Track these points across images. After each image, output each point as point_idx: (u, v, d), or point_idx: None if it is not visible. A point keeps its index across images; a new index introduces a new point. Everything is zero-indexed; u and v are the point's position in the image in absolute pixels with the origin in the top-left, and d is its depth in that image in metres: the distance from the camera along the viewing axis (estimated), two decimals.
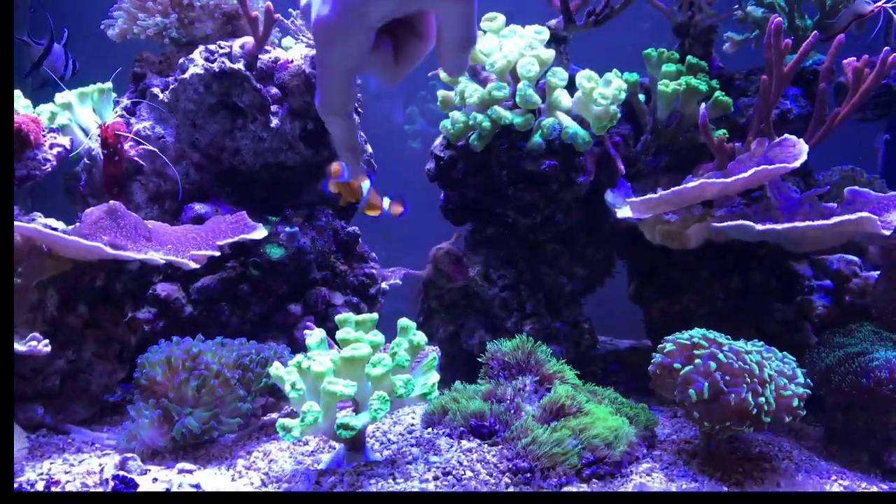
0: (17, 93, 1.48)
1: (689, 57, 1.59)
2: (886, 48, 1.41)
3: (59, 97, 1.53)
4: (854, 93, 1.46)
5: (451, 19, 0.53)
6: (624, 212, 1.46)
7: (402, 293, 1.74)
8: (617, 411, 1.30)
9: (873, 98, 1.84)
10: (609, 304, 1.77)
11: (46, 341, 1.15)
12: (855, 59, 1.48)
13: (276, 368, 1.13)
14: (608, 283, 1.71)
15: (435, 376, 1.16)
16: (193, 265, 1.36)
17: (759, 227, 1.31)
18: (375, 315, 1.19)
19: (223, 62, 1.47)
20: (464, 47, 0.54)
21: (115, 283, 1.39)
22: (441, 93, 1.60)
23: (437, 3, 0.52)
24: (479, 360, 1.34)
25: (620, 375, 1.64)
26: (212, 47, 1.49)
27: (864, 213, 1.30)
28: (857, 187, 1.53)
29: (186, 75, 1.48)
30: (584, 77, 1.51)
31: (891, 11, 1.54)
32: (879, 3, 1.55)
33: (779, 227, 1.30)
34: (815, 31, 1.44)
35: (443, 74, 1.57)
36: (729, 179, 1.33)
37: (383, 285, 1.69)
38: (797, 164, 1.35)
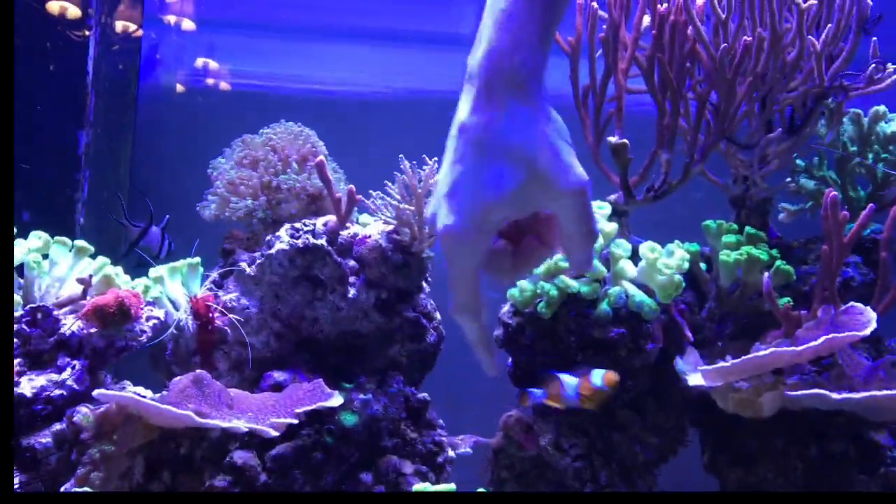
0: (118, 269, 1.61)
1: (747, 228, 1.65)
2: None
3: (153, 272, 1.64)
4: None
5: (571, 216, 0.59)
6: (695, 379, 1.47)
7: (469, 462, 1.73)
8: None
9: None
10: (682, 474, 1.73)
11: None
12: None
13: None
14: (681, 452, 1.68)
15: None
16: (274, 433, 1.40)
17: (836, 395, 1.31)
18: (452, 485, 1.20)
19: (307, 238, 1.58)
20: (587, 241, 0.60)
21: (197, 450, 1.43)
22: None
23: (554, 203, 0.58)
24: None
25: None
26: (297, 225, 1.61)
27: None
28: None
29: (273, 251, 1.59)
30: (648, 248, 1.58)
31: None
32: None
33: (856, 395, 1.30)
34: (872, 204, 1.50)
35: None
36: (800, 348, 1.35)
37: (450, 453, 1.69)
38: (867, 331, 1.37)
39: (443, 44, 2.54)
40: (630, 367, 1.57)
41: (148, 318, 1.48)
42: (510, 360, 1.71)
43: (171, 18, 3.51)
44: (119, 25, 2.90)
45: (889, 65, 1.64)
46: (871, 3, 1.64)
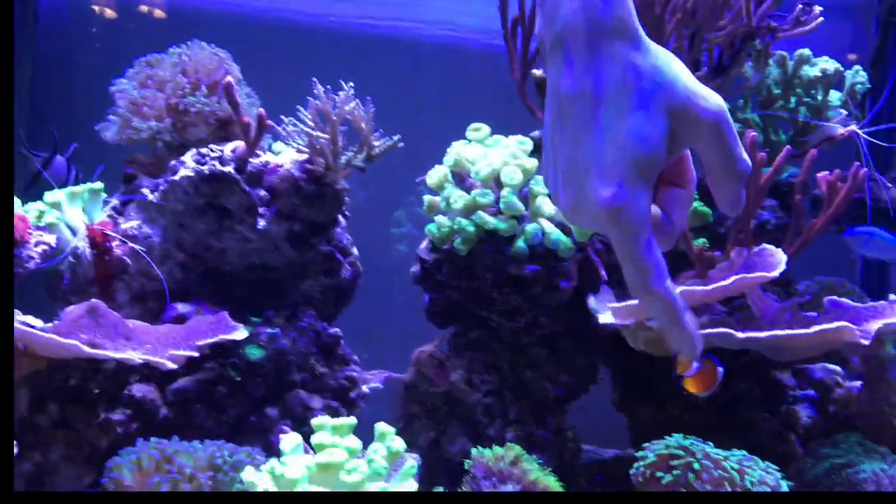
0: None
1: None
2: (856, 164, 1.46)
3: (49, 196, 1.54)
4: (828, 205, 1.50)
5: (717, 149, 0.52)
6: (605, 317, 1.46)
7: (383, 398, 1.72)
8: None
9: (849, 211, 1.89)
10: (594, 411, 1.74)
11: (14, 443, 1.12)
12: (828, 173, 1.53)
13: (248, 473, 1.10)
14: (593, 390, 1.69)
15: (413, 484, 1.13)
16: (171, 365, 1.34)
17: (741, 334, 1.32)
18: (353, 420, 1.17)
19: (213, 165, 1.50)
20: (736, 177, 0.53)
21: (90, 382, 1.37)
22: (427, 198, 1.63)
23: (698, 137, 0.51)
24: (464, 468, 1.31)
25: (605, 486, 1.60)
26: (203, 150, 1.53)
27: (844, 323, 1.31)
28: (836, 297, 1.55)
29: (177, 177, 1.51)
30: None
31: (856, 138, 1.61)
32: (849, 129, 1.62)
33: (760, 335, 1.31)
34: (788, 146, 1.49)
35: (429, 180, 1.61)
36: (709, 287, 1.35)
37: (364, 389, 1.67)
38: (776, 273, 1.37)
39: None
40: (544, 305, 1.55)
41: (37, 244, 1.39)
42: (426, 296, 1.68)
43: None
44: None
45: (816, 7, 1.62)
46: None
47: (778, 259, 1.42)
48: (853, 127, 1.61)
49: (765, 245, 1.48)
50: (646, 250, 0.51)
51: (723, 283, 1.33)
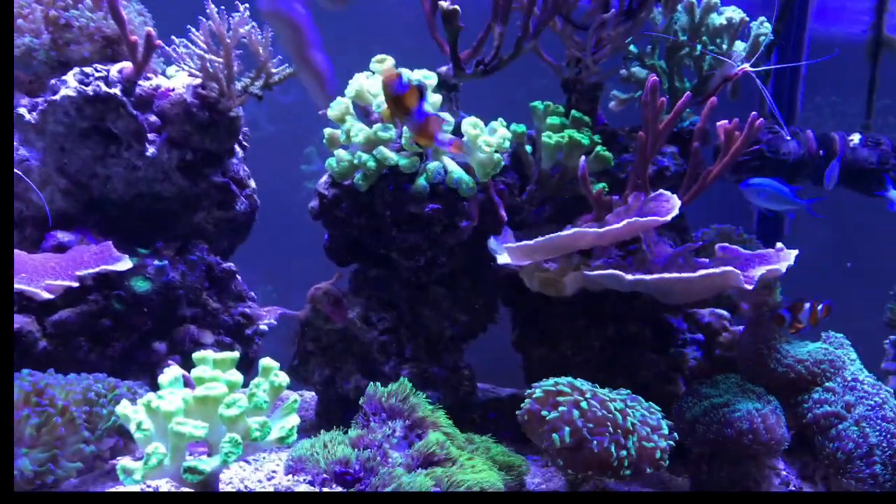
0: None
1: (573, 111, 1.63)
2: (753, 112, 1.48)
3: None
4: (725, 153, 1.52)
5: None
6: (503, 258, 1.46)
7: (280, 335, 1.68)
8: (489, 459, 1.28)
9: (747, 161, 1.93)
10: (492, 351, 1.76)
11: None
12: (727, 121, 1.55)
13: (123, 406, 1.06)
14: (492, 329, 1.71)
15: (295, 419, 1.11)
16: (47, 295, 1.28)
17: (629, 277, 1.33)
18: (236, 353, 1.13)
19: (98, 86, 1.41)
20: None
21: None
22: (327, 131, 1.58)
23: None
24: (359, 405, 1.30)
25: (499, 423, 1.62)
26: (87, 70, 1.43)
27: (729, 268, 1.34)
28: (727, 244, 1.59)
29: (57, 97, 1.41)
30: (470, 124, 1.52)
31: (753, 75, 1.63)
32: (743, 67, 1.63)
33: (648, 277, 1.33)
34: (688, 92, 1.50)
35: (330, 112, 1.56)
36: (602, 229, 1.36)
37: (261, 326, 1.64)
38: (668, 217, 1.39)
39: None
40: (444, 244, 1.54)
41: None
42: (326, 233, 1.64)
43: None
44: None
45: None
46: None
47: (672, 204, 1.43)
48: (746, 66, 1.63)
49: (661, 190, 1.49)
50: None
51: (615, 225, 1.34)
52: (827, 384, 1.47)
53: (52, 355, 1.40)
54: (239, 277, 1.63)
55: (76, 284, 1.32)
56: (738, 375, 1.47)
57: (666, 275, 1.34)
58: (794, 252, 1.44)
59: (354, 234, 1.58)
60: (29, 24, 1.45)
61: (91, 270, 1.34)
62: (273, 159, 1.88)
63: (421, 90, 1.21)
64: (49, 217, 1.45)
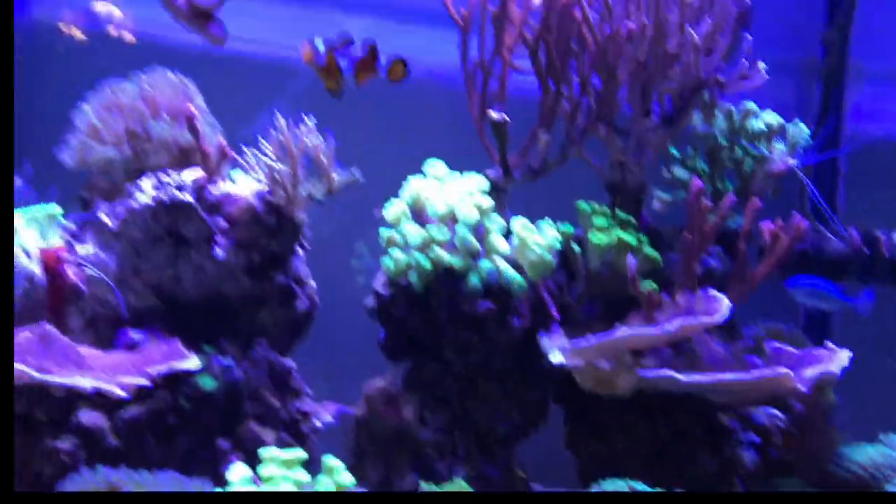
0: None
1: (618, 212, 1.69)
2: (797, 215, 1.53)
3: None
4: (770, 254, 1.56)
5: None
6: (556, 357, 1.50)
7: (335, 431, 1.72)
8: None
9: (792, 259, 1.96)
10: (544, 448, 1.76)
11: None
12: (771, 222, 1.60)
13: None
14: (542, 427, 1.72)
15: None
16: (121, 393, 1.34)
17: (685, 378, 1.36)
18: (303, 453, 1.17)
19: (173, 192, 1.51)
20: None
21: (36, 409, 1.35)
22: (384, 232, 1.65)
23: None
24: None
25: None
26: (163, 177, 1.54)
27: (783, 370, 1.37)
28: (778, 343, 1.61)
29: (135, 203, 1.51)
30: (521, 225, 1.59)
31: (798, 171, 1.68)
32: (787, 161, 1.69)
33: (703, 379, 1.36)
34: (733, 195, 1.56)
35: (387, 214, 1.63)
36: (655, 331, 1.39)
37: (316, 423, 1.67)
38: (719, 317, 1.42)
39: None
40: (497, 342, 1.58)
41: None
42: (382, 330, 1.69)
43: None
44: None
45: (761, 63, 1.70)
46: (749, 3, 1.70)
47: (722, 304, 1.47)
48: (790, 160, 1.68)
49: (711, 290, 1.53)
50: None
51: (667, 326, 1.38)
52: (887, 487, 1.45)
53: (120, 451, 1.44)
54: (296, 374, 1.68)
55: (148, 382, 1.37)
56: (797, 479, 1.46)
57: (720, 376, 1.36)
58: (847, 353, 1.45)
59: (409, 332, 1.63)
60: (111, 137, 1.57)
61: (162, 368, 1.40)
62: (325, 255, 1.96)
63: (332, 47, 1.26)
64: (123, 315, 1.52)
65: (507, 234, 1.61)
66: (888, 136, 2.34)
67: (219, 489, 1.14)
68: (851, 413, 1.77)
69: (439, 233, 1.57)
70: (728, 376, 1.37)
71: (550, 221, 1.62)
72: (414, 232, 1.58)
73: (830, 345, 1.51)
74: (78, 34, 3.71)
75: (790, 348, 1.57)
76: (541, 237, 1.58)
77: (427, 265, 1.55)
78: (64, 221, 1.60)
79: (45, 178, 1.70)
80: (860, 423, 1.79)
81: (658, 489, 1.26)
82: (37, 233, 1.57)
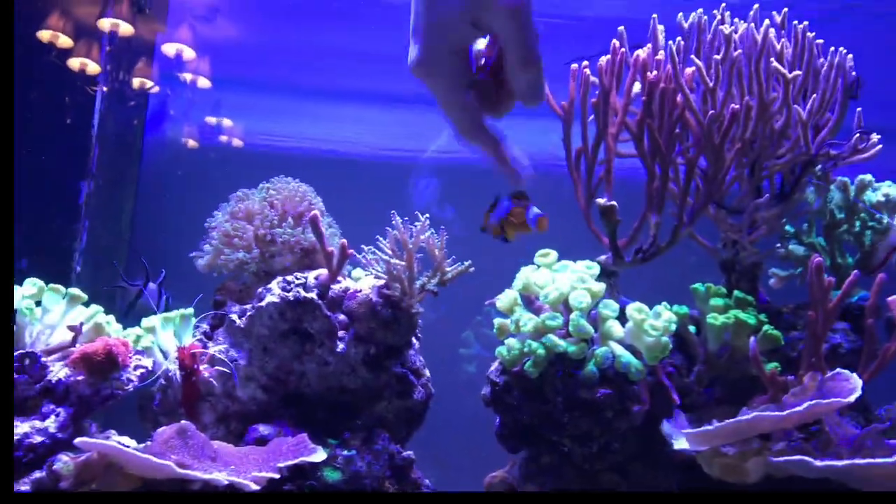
0: (111, 318, 1.62)
1: (735, 292, 1.66)
2: None
3: (145, 321, 1.66)
4: None
5: (509, 35, 0.59)
6: (681, 443, 1.46)
7: None
8: None
9: None
10: None
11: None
12: None
13: None
14: None
15: None
16: (254, 487, 1.39)
17: (819, 463, 1.29)
18: None
19: (298, 291, 1.60)
20: (527, 64, 0.59)
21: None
22: (497, 321, 1.68)
23: (495, 22, 0.58)
24: None
25: None
26: (289, 278, 1.63)
27: None
28: None
29: (263, 303, 1.60)
30: (635, 309, 1.59)
31: None
32: None
33: (839, 463, 1.29)
34: (856, 270, 1.51)
35: (499, 303, 1.67)
36: (783, 413, 1.34)
37: None
38: (852, 398, 1.36)
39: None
40: (616, 430, 1.56)
41: (136, 367, 1.49)
42: (498, 419, 1.70)
43: (188, 76, 3.63)
44: (136, 82, 3.00)
45: (873, 135, 1.67)
46: (854, 75, 1.69)
47: (853, 384, 1.40)
48: None
49: (839, 369, 1.47)
50: (452, 102, 0.59)
51: (797, 408, 1.33)
52: None
53: None
54: (415, 465, 1.69)
55: (278, 476, 1.42)
56: None
57: (859, 461, 1.29)
58: None
59: (525, 421, 1.63)
60: (242, 243, 1.69)
61: (290, 462, 1.45)
62: (434, 344, 2.00)
63: (524, 207, 1.28)
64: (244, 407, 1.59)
65: (622, 319, 1.61)
66: None
67: None
68: None
69: (552, 319, 1.58)
70: (867, 460, 1.29)
71: (666, 304, 1.61)
72: (527, 319, 1.60)
73: None
74: (192, 143, 4.05)
75: None
76: (656, 320, 1.57)
77: (542, 352, 1.56)
78: (197, 322, 1.72)
79: (180, 285, 1.84)
80: None
81: None
82: (173, 333, 1.68)
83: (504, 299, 1.67)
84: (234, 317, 1.64)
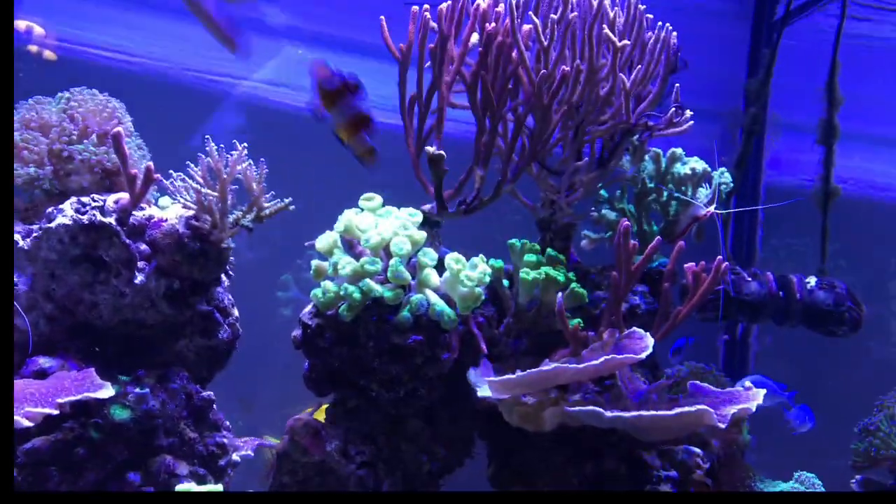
0: None
1: (548, 250, 1.71)
2: (719, 257, 1.58)
3: None
4: (693, 294, 1.61)
5: None
6: (483, 391, 1.49)
7: (254, 466, 1.66)
8: None
9: (712, 300, 2.02)
10: (468, 486, 1.75)
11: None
12: (694, 264, 1.65)
13: None
14: (468, 464, 1.70)
15: None
16: (27, 423, 1.27)
17: (609, 414, 1.37)
18: (219, 486, 1.13)
19: (94, 215, 1.46)
20: None
21: None
22: (315, 262, 1.63)
23: None
24: None
25: None
26: (85, 199, 1.48)
27: (704, 407, 1.39)
28: (698, 382, 1.65)
29: (52, 224, 1.45)
30: (453, 259, 1.59)
31: (717, 218, 1.75)
32: (710, 209, 1.75)
33: (626, 415, 1.37)
34: (659, 236, 1.60)
35: (318, 244, 1.61)
36: (580, 366, 1.41)
37: (234, 457, 1.62)
38: (643, 355, 1.45)
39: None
40: (425, 376, 1.56)
41: None
42: (307, 362, 1.66)
43: None
44: None
45: (687, 111, 1.77)
46: (679, 52, 1.77)
47: (646, 343, 1.49)
48: (712, 208, 1.75)
49: (635, 328, 1.56)
50: None
51: (593, 362, 1.39)
52: None
53: (21, 485, 1.36)
54: (215, 406, 1.62)
55: (56, 412, 1.30)
56: None
57: (644, 412, 1.38)
58: (763, 391, 1.50)
59: (335, 365, 1.60)
60: (33, 156, 1.51)
61: (72, 398, 1.33)
62: (250, 285, 1.92)
63: (348, 85, 1.26)
64: (30, 344, 1.45)
65: (441, 269, 1.61)
66: (802, 184, 2.45)
67: None
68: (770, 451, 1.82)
69: (372, 264, 1.55)
70: (650, 412, 1.39)
71: (483, 257, 1.63)
72: (346, 262, 1.56)
73: (748, 383, 1.56)
74: None
75: (709, 386, 1.60)
76: (472, 271, 1.58)
77: (358, 296, 1.53)
78: None
79: None
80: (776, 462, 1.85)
81: None
82: None
83: (323, 241, 1.61)
84: (17, 237, 1.47)
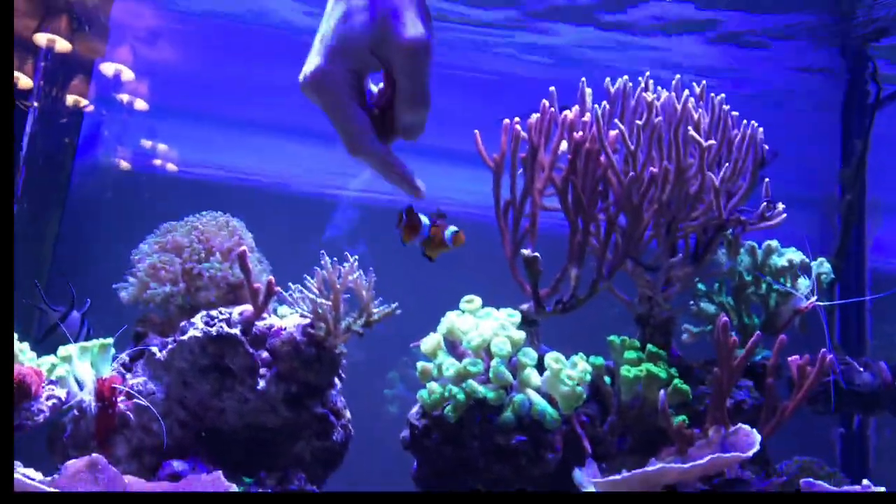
0: (25, 346, 1.59)
1: (649, 345, 1.73)
2: (823, 350, 1.56)
3: (62, 350, 1.63)
4: (799, 388, 1.59)
5: (404, 70, 0.58)
6: (590, 491, 1.50)
7: None
8: None
9: (823, 392, 1.97)
10: None
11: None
12: (798, 357, 1.63)
13: None
14: None
15: None
16: None
17: None
18: None
19: (221, 327, 1.60)
20: (416, 103, 0.58)
21: None
22: (420, 364, 1.71)
23: (394, 54, 0.57)
24: None
25: None
26: (213, 313, 1.63)
27: None
28: (812, 479, 1.60)
29: (185, 337, 1.60)
30: (553, 358, 1.64)
31: (819, 310, 1.73)
32: (812, 301, 1.74)
33: None
34: (759, 332, 1.60)
35: (423, 346, 1.70)
36: (686, 465, 1.41)
37: None
38: (751, 453, 1.44)
39: None
40: (529, 476, 1.59)
41: (48, 398, 1.45)
42: (415, 462, 1.72)
43: (125, 97, 3.56)
44: (70, 99, 2.94)
45: (779, 204, 1.79)
46: (766, 147, 1.81)
47: (753, 439, 1.48)
48: (814, 299, 1.73)
49: (741, 425, 1.54)
50: (345, 116, 0.58)
51: (700, 462, 1.39)
52: None
53: None
54: None
55: None
56: None
57: None
58: (882, 490, 1.44)
59: (442, 464, 1.66)
60: (169, 275, 1.68)
61: None
62: (358, 383, 2.01)
63: (416, 221, 1.36)
64: (164, 442, 1.57)
65: (540, 368, 1.66)
66: None
67: None
68: None
69: (474, 365, 1.62)
70: None
71: (583, 355, 1.67)
72: (449, 364, 1.64)
73: (866, 482, 1.50)
74: (125, 164, 3.96)
75: (824, 484, 1.55)
76: (572, 370, 1.62)
77: (461, 397, 1.59)
78: (116, 353, 1.69)
79: (103, 313, 1.81)
80: None
81: None
82: (90, 364, 1.65)
83: (428, 343, 1.70)
84: (155, 349, 1.63)
